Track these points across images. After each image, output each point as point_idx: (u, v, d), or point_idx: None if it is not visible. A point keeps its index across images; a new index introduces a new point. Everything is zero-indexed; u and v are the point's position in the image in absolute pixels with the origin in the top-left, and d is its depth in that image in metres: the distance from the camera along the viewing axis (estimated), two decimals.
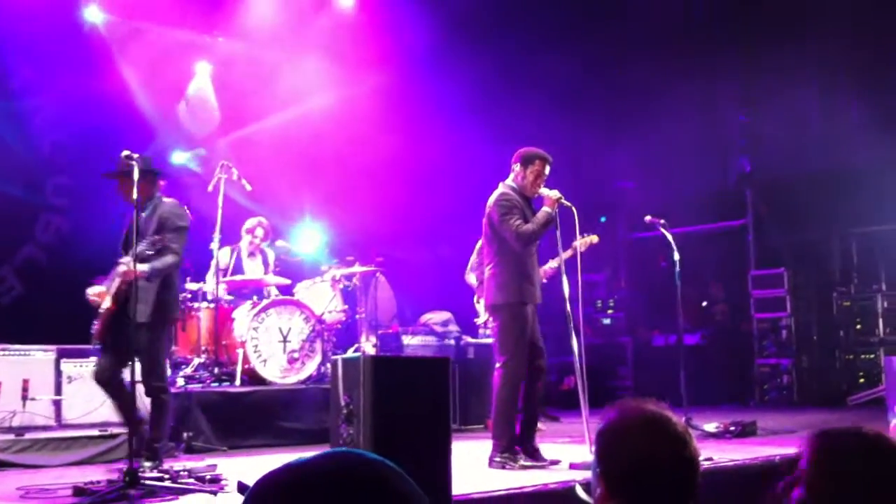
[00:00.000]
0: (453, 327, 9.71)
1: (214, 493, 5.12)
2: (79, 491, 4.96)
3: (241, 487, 4.59)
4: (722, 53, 12.68)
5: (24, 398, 6.62)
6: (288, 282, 9.12)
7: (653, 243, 11.23)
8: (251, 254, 9.32)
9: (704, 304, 13.61)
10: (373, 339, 9.48)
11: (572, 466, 5.98)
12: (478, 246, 8.76)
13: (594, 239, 8.15)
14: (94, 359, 6.98)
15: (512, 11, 11.93)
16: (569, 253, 7.51)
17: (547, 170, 6.41)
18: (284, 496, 1.23)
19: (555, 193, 6.30)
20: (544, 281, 6.86)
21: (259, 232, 9.28)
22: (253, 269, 9.23)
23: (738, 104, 13.11)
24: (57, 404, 6.77)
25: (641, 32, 12.43)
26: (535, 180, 6.37)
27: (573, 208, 6.32)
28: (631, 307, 13.57)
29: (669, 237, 8.12)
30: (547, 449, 6.46)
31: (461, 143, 12.84)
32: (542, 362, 6.40)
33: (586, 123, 12.85)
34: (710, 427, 7.72)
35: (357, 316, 9.30)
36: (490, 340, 9.49)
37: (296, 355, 8.33)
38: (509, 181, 6.46)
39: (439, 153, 12.78)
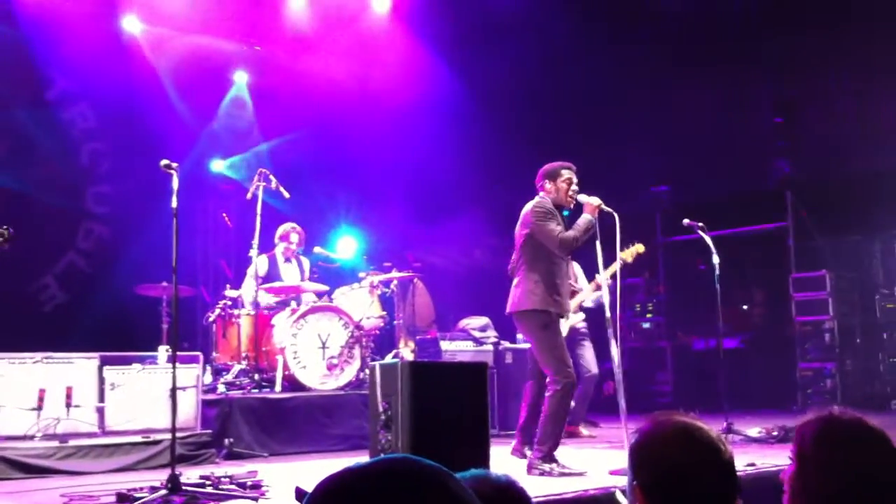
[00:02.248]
0: (491, 332, 9.70)
1: (255, 499, 5.15)
2: (122, 497, 5.01)
3: (300, 493, 4.62)
4: (757, 53, 12.57)
5: (68, 405, 6.69)
6: (326, 288, 9.16)
7: (691, 247, 11.13)
8: (287, 259, 9.37)
9: (745, 307, 13.48)
10: (411, 345, 9.50)
11: (613, 472, 5.94)
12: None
13: (640, 248, 8.05)
14: (136, 366, 7.08)
15: (541, 14, 11.90)
16: (616, 266, 7.41)
17: (575, 178, 6.37)
18: (345, 502, 1.24)
19: (595, 200, 6.23)
20: (597, 294, 6.77)
21: (294, 238, 9.32)
22: (290, 276, 9.28)
23: (775, 105, 12.97)
24: (100, 411, 6.84)
25: (675, 33, 12.35)
26: (568, 190, 6.33)
27: (615, 214, 6.24)
28: (670, 311, 13.48)
29: (708, 240, 8.05)
30: (587, 455, 6.43)
31: (496, 148, 12.84)
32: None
33: (619, 127, 12.80)
34: (753, 432, 7.65)
35: (395, 322, 9.32)
36: (528, 345, 9.53)
37: (335, 361, 8.36)
38: (542, 197, 6.40)
39: (474, 158, 12.80)
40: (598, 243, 6.28)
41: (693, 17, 12.19)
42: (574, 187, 6.34)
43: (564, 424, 6.20)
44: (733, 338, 12.53)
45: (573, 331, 8.55)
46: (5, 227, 4.80)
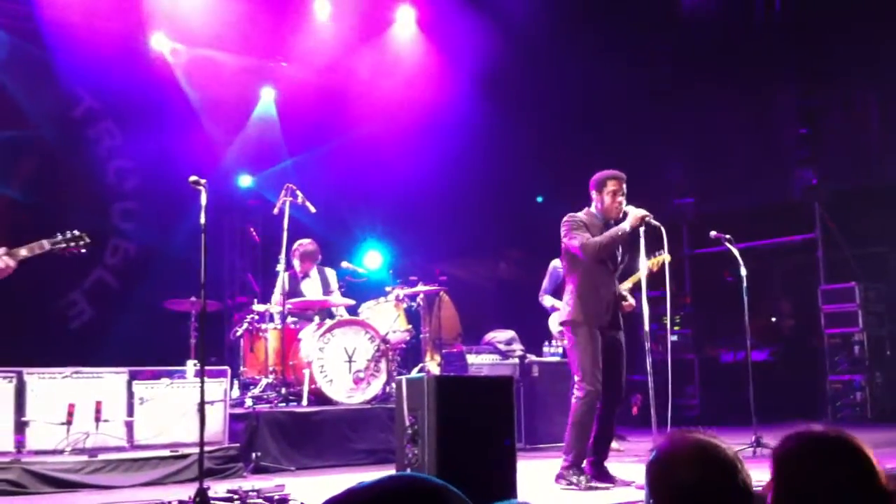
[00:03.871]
0: (517, 346, 9.68)
1: None
2: None
3: None
4: (781, 63, 12.50)
5: (97, 420, 6.75)
6: (352, 302, 9.19)
7: (718, 259, 11.07)
8: (304, 275, 9.38)
9: (773, 319, 13.37)
10: (437, 359, 9.49)
11: (639, 487, 5.90)
12: (549, 268, 8.75)
13: (666, 258, 8.01)
14: (165, 380, 7.13)
15: (565, 28, 11.91)
16: (639, 276, 7.39)
17: (623, 187, 6.35)
18: None
19: (640, 211, 6.23)
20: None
21: (299, 256, 9.28)
22: (310, 290, 9.28)
23: (799, 115, 12.88)
24: (129, 425, 6.89)
25: (699, 44, 12.33)
26: (614, 200, 6.32)
27: (661, 227, 6.26)
28: (696, 324, 13.39)
29: (736, 252, 8.01)
30: (613, 469, 6.39)
31: (522, 162, 12.85)
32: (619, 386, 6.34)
33: (644, 139, 12.78)
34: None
35: (421, 335, 9.32)
36: (555, 359, 9.52)
37: (361, 375, 8.38)
38: (592, 209, 6.44)
39: (500, 172, 12.81)
40: (643, 255, 6.28)
41: (717, 28, 12.18)
42: (620, 198, 6.34)
43: (589, 433, 6.18)
44: (762, 350, 12.43)
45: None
46: (80, 232, 4.83)
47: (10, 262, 4.56)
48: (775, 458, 2.17)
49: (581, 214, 6.39)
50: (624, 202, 6.34)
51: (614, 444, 8.36)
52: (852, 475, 2.07)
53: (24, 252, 4.63)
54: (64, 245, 4.73)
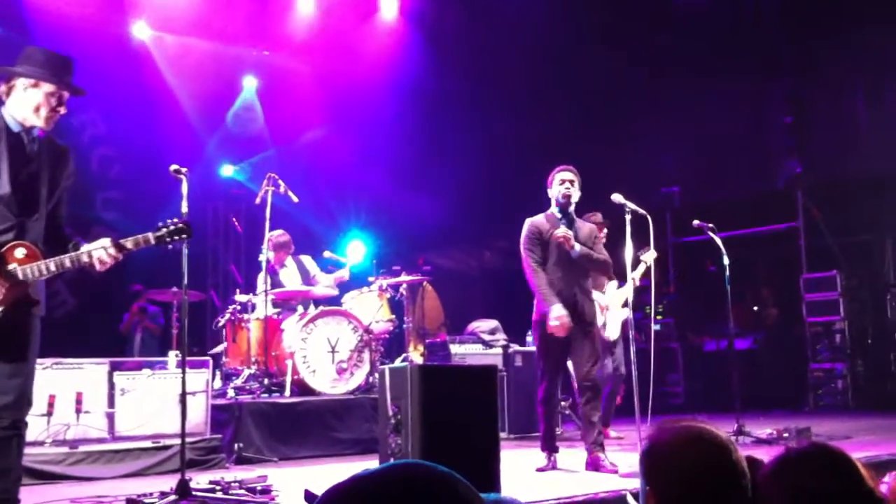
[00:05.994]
0: (501, 335, 9.68)
1: (265, 503, 5.15)
2: (132, 502, 5.01)
3: (309, 496, 4.61)
4: (767, 53, 12.53)
5: (78, 411, 6.70)
6: (336, 293, 9.16)
7: (701, 247, 11.11)
8: (280, 265, 9.31)
9: (755, 308, 13.43)
10: (420, 349, 9.49)
11: (623, 475, 5.92)
12: None
13: (652, 255, 8.05)
14: (146, 371, 7.09)
15: (551, 15, 11.88)
16: (639, 272, 7.51)
17: (569, 176, 6.52)
18: None
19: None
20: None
21: (268, 248, 9.18)
22: (288, 280, 9.21)
23: (785, 105, 12.92)
24: (110, 417, 6.85)
25: (685, 35, 12.33)
26: (559, 189, 6.52)
27: (648, 217, 6.32)
28: (680, 312, 13.43)
29: (719, 241, 8.03)
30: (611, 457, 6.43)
31: (506, 150, 12.83)
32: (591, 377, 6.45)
33: (628, 128, 12.79)
34: (764, 433, 7.61)
35: (404, 325, 9.30)
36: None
37: (344, 365, 8.36)
38: (551, 207, 6.65)
39: (485, 161, 12.79)
40: (628, 243, 6.32)
41: (703, 19, 12.18)
42: (564, 186, 6.51)
43: (550, 418, 6.53)
44: (745, 339, 12.49)
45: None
46: (184, 224, 4.69)
47: (118, 255, 4.47)
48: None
49: (538, 217, 6.58)
50: (573, 191, 6.51)
51: (613, 433, 8.37)
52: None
53: (129, 245, 4.54)
54: (168, 239, 4.64)
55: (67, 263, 4.45)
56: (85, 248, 4.50)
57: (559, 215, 6.53)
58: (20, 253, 4.34)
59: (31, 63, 4.47)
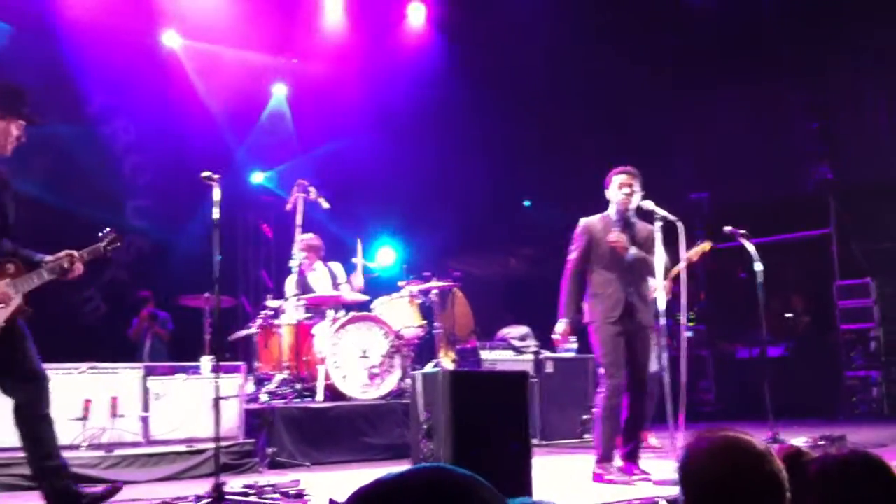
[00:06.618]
0: (531, 342, 9.66)
1: None
2: None
3: None
4: (794, 58, 12.43)
5: (113, 415, 6.76)
6: (366, 298, 9.17)
7: (731, 254, 11.03)
8: (311, 269, 9.32)
9: (788, 315, 13.31)
10: (451, 355, 9.48)
11: (657, 483, 5.88)
12: None
13: (706, 247, 7.91)
14: (180, 376, 7.14)
15: (581, 23, 11.86)
16: (679, 268, 7.34)
17: (631, 181, 6.39)
18: None
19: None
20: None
21: (298, 251, 9.18)
22: (318, 285, 9.22)
23: (811, 110, 12.79)
24: (144, 421, 6.90)
25: (713, 40, 12.26)
26: (619, 192, 6.38)
27: (679, 223, 6.26)
28: (711, 319, 13.34)
29: (751, 248, 7.97)
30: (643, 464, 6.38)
31: (535, 157, 12.82)
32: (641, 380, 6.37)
33: (658, 134, 12.73)
34: (799, 441, 7.53)
35: (434, 331, 9.30)
36: (569, 355, 9.51)
37: (375, 371, 8.36)
38: (609, 209, 6.52)
39: (513, 168, 12.79)
40: (659, 250, 6.26)
41: (729, 24, 12.11)
42: (625, 190, 6.37)
43: (616, 427, 6.24)
44: (777, 346, 12.38)
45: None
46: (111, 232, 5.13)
47: (80, 266, 4.93)
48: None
49: (593, 218, 6.49)
50: (633, 195, 6.37)
51: (654, 441, 8.21)
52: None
53: (86, 255, 4.99)
54: (110, 248, 5.06)
55: (46, 275, 4.88)
56: (51, 258, 4.91)
57: (615, 217, 6.41)
58: (10, 269, 4.81)
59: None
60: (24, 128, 4.88)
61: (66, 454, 6.33)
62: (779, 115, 13.14)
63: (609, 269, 6.35)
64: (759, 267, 7.92)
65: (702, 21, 12.24)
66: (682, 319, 6.68)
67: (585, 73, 12.41)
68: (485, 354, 9.47)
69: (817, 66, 12.49)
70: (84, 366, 6.79)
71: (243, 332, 9.17)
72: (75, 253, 4.93)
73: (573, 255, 6.44)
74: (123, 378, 6.92)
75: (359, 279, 9.34)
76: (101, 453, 6.50)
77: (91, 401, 6.69)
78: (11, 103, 4.85)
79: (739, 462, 2.12)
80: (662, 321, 6.32)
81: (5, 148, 4.82)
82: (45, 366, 6.58)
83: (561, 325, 6.38)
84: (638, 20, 12.19)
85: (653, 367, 8.24)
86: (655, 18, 12.29)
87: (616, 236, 6.30)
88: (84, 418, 6.64)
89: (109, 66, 10.74)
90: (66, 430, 6.55)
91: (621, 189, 6.36)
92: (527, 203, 14.10)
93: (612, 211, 6.45)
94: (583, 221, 6.49)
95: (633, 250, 6.33)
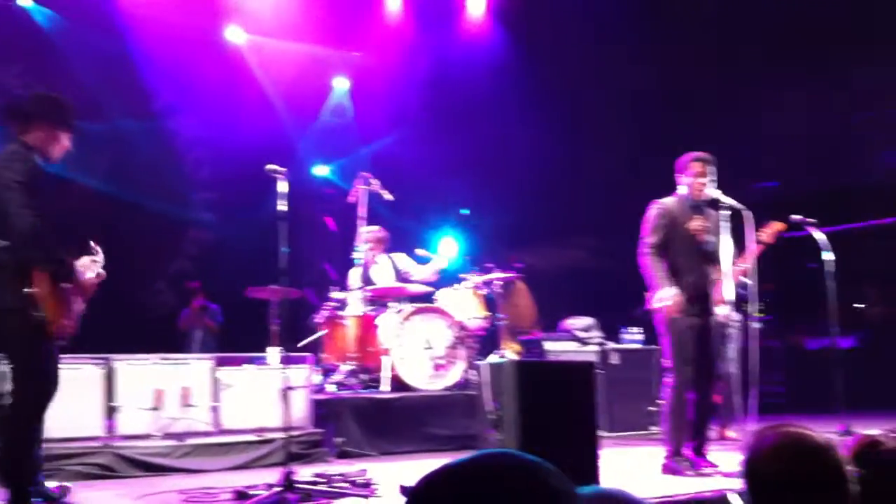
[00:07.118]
0: (596, 333, 9.59)
1: (366, 496, 5.20)
2: (240, 495, 5.10)
3: (404, 490, 4.67)
4: (855, 45, 12.11)
5: (185, 405, 6.87)
6: (430, 289, 9.19)
7: (799, 243, 10.82)
8: (374, 262, 9.34)
9: (859, 305, 13.03)
10: (515, 346, 9.46)
11: (726, 475, 5.82)
12: None
13: (780, 226, 7.70)
14: (249, 366, 7.23)
15: (643, 15, 11.72)
16: (751, 255, 7.19)
17: (706, 168, 6.21)
18: (445, 496, 1.26)
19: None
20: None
21: (363, 242, 9.18)
22: (380, 277, 9.23)
23: (862, 98, 12.45)
24: (215, 410, 7.01)
25: (775, 29, 12.02)
26: (695, 181, 6.21)
27: (747, 211, 6.17)
28: (780, 310, 13.10)
29: (821, 237, 7.81)
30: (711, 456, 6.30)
31: (599, 148, 12.71)
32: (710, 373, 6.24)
33: (723, 124, 12.53)
34: (873, 432, 7.35)
35: (498, 322, 9.29)
36: (635, 346, 9.44)
37: (440, 362, 8.38)
38: (681, 191, 6.31)
39: (577, 159, 12.69)
40: (725, 239, 6.14)
41: (796, 8, 11.87)
42: (701, 179, 6.20)
43: (684, 420, 6.12)
44: (850, 337, 12.13)
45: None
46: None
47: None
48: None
49: (669, 201, 6.26)
50: (708, 184, 6.21)
51: (732, 433, 8.06)
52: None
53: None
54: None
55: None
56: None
57: (689, 202, 6.23)
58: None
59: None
60: (71, 138, 5.17)
61: (140, 443, 6.50)
62: (849, 102, 12.83)
63: (686, 255, 6.14)
64: (828, 256, 7.76)
65: (773, 7, 12.02)
66: (752, 310, 6.54)
67: (650, 65, 12.26)
68: (549, 345, 9.42)
69: (882, 52, 12.18)
70: (155, 356, 6.91)
71: (313, 337, 9.18)
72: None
73: (653, 238, 6.16)
74: (193, 369, 7.03)
75: (430, 269, 9.35)
76: (173, 442, 6.61)
77: (163, 391, 6.81)
78: (63, 116, 5.15)
79: (801, 456, 2.16)
80: (733, 313, 6.20)
81: (56, 156, 5.13)
82: (118, 356, 6.76)
83: (669, 290, 6.02)
84: (705, 14, 12.00)
85: (731, 368, 8.11)
86: (722, 12, 12.09)
87: (700, 223, 6.12)
88: (156, 408, 6.76)
89: (174, 62, 10.90)
90: (139, 419, 6.70)
91: (697, 178, 6.18)
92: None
93: (684, 195, 6.27)
94: (658, 203, 6.25)
95: (711, 238, 6.20)
